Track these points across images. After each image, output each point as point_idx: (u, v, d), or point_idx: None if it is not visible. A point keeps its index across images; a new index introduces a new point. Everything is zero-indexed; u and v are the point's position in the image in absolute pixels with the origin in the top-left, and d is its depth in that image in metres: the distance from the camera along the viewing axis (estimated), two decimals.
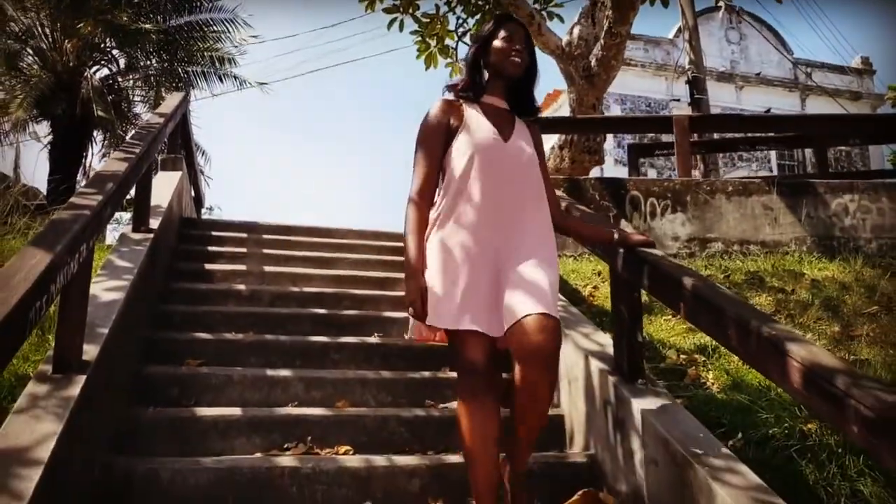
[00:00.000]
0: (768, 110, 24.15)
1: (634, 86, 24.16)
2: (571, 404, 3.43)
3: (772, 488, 2.65)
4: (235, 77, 10.46)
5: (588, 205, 6.62)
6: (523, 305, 2.33)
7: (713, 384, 3.57)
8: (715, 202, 6.60)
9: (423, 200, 2.53)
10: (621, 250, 2.96)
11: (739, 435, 2.99)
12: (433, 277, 2.42)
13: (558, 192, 3.49)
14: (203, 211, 9.73)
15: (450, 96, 2.69)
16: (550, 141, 9.73)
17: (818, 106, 25.30)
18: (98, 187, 3.02)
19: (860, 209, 6.47)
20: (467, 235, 2.44)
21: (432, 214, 2.52)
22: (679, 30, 17.62)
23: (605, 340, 3.45)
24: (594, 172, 9.84)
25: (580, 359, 3.35)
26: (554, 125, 8.90)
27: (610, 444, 3.01)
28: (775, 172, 23.39)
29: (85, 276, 2.70)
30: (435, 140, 2.56)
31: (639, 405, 2.82)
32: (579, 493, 2.83)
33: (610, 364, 3.15)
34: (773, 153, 24.86)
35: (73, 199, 2.77)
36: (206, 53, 10.05)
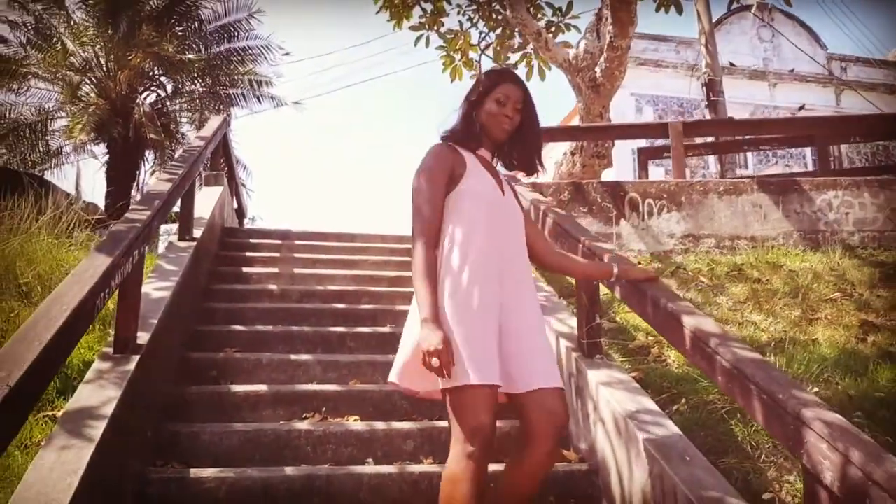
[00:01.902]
0: (802, 107, 24.08)
1: (667, 86, 24.14)
2: None
3: (706, 443, 3.13)
4: (272, 97, 11.18)
5: (590, 206, 7.10)
6: (541, 375, 2.32)
7: (672, 361, 4.03)
8: (707, 201, 7.01)
9: (431, 242, 2.38)
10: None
11: (683, 400, 3.45)
12: (456, 328, 2.25)
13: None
14: (246, 221, 10.36)
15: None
16: (563, 147, 10.19)
17: (854, 101, 24.96)
18: (147, 203, 3.61)
19: (843, 204, 6.83)
20: (479, 287, 2.31)
21: (440, 258, 2.40)
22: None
23: (576, 324, 3.93)
24: (605, 175, 10.25)
25: (554, 340, 3.83)
26: (563, 134, 9.35)
27: (573, 409, 3.50)
28: (811, 167, 23.33)
29: (138, 275, 3.28)
30: (441, 183, 2.44)
31: (594, 377, 3.31)
32: None
33: (574, 343, 3.63)
34: (807, 149, 24.79)
35: (127, 214, 3.36)
36: (244, 77, 10.77)
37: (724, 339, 2.31)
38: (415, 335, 2.29)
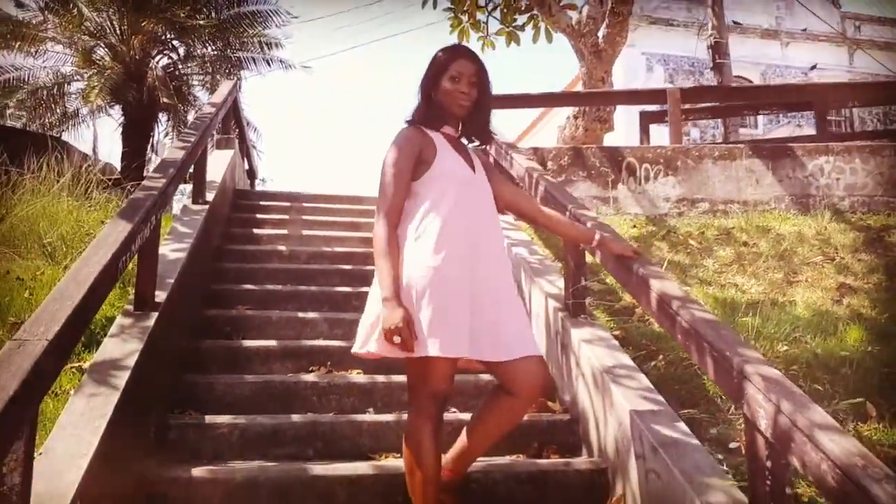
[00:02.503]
0: (813, 67, 23.90)
1: (678, 46, 23.76)
2: (538, 338, 4.15)
3: (680, 396, 3.37)
4: (281, 60, 11.32)
5: (589, 171, 7.28)
6: (521, 345, 2.48)
7: (653, 321, 4.25)
8: (703, 166, 7.17)
9: (393, 221, 2.48)
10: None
11: (661, 357, 3.69)
12: (422, 304, 2.36)
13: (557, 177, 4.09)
14: (257, 182, 10.57)
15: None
16: (566, 111, 10.30)
17: (867, 60, 24.52)
18: (162, 171, 3.83)
19: (835, 170, 6.98)
20: (449, 262, 2.41)
21: (409, 236, 2.48)
22: None
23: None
24: (610, 138, 10.37)
25: (543, 300, 4.06)
26: (563, 99, 9.47)
27: (559, 364, 3.74)
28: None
29: (155, 238, 3.51)
30: (408, 165, 2.51)
31: (577, 334, 3.54)
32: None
33: (561, 303, 3.86)
34: None
35: (144, 182, 3.59)
36: (254, 39, 10.91)
37: (685, 301, 2.53)
38: (377, 307, 2.41)
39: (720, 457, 2.72)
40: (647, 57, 23.86)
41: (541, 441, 3.37)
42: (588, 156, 7.35)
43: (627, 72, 21.88)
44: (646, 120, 10.20)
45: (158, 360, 3.32)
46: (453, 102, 2.60)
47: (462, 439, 2.69)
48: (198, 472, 2.81)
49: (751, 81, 24.02)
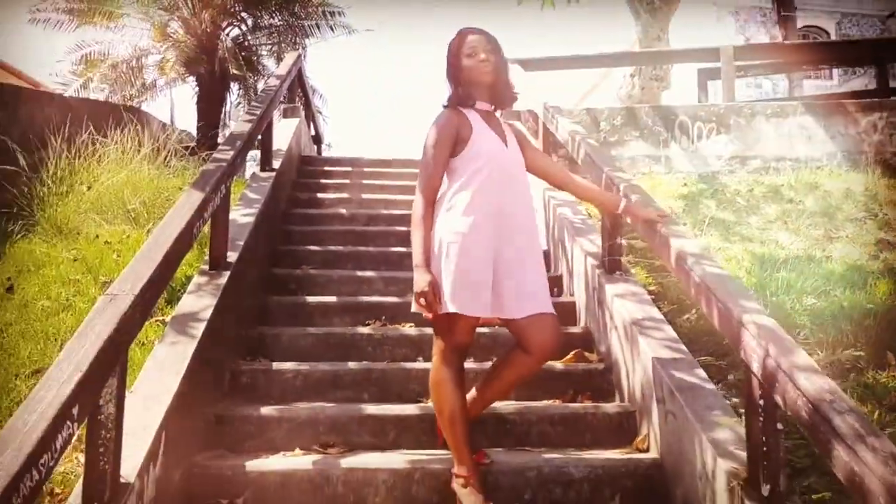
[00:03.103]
0: (892, 14, 22.84)
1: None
2: (578, 293, 4.37)
3: (708, 347, 3.57)
4: (344, 26, 11.62)
5: (642, 130, 7.36)
6: (534, 303, 2.71)
7: None
8: (755, 124, 7.18)
9: (430, 198, 2.73)
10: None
11: (694, 311, 3.87)
12: (449, 267, 2.62)
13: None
14: (323, 147, 10.93)
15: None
16: (623, 70, 10.28)
17: None
18: (231, 144, 4.17)
19: (888, 126, 6.88)
20: (477, 231, 2.65)
21: (444, 205, 2.72)
22: None
23: None
24: (667, 95, 10.32)
25: (583, 258, 4.27)
26: (615, 60, 9.46)
27: (595, 318, 3.97)
28: None
29: (226, 205, 3.86)
30: (447, 145, 2.74)
31: (611, 290, 3.75)
32: (572, 352, 3.83)
33: (599, 261, 4.06)
34: None
35: (214, 154, 3.93)
36: (318, 9, 11.23)
37: (699, 257, 2.72)
38: (441, 267, 2.67)
39: (735, 400, 2.93)
40: (717, 7, 23.13)
41: (576, 388, 3.61)
42: (640, 115, 7.44)
43: (693, 25, 21.33)
44: (704, 76, 10.10)
45: (231, 313, 3.69)
46: (479, 74, 2.81)
47: (477, 386, 2.97)
48: (266, 410, 3.18)
49: (825, 31, 23.18)
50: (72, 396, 1.80)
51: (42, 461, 1.63)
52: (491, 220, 2.70)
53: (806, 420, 1.90)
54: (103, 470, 2.14)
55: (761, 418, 2.21)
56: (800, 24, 20.84)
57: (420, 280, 2.61)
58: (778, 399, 2.06)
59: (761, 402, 2.20)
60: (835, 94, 10.05)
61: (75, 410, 1.82)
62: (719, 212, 5.63)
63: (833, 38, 22.02)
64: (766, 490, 2.20)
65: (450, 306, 2.62)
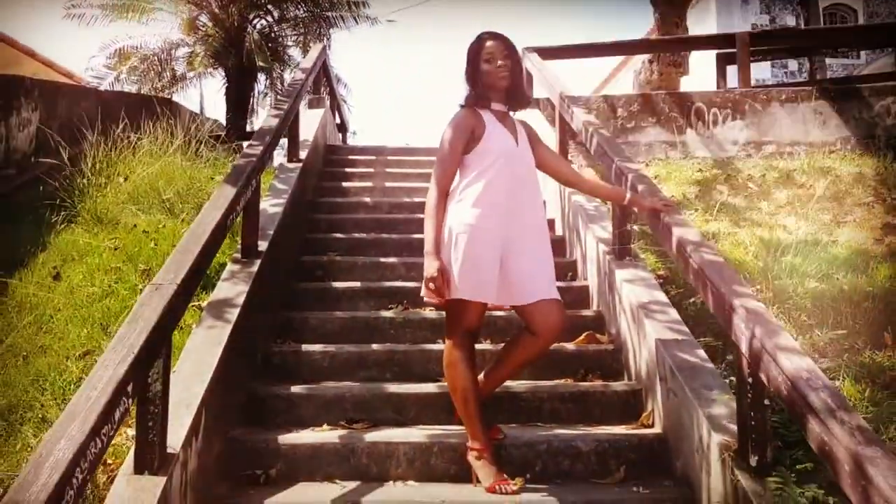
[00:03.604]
0: None
1: None
2: (591, 278, 4.54)
3: (713, 329, 3.72)
4: (367, 17, 11.81)
5: (658, 117, 7.47)
6: (540, 289, 2.88)
7: None
8: (770, 109, 7.25)
9: (443, 191, 2.94)
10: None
11: (699, 294, 4.02)
12: (458, 255, 2.82)
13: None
14: (348, 134, 11.12)
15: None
16: (642, 56, 10.34)
17: None
18: (260, 139, 4.39)
19: None
20: (485, 223, 2.84)
21: (455, 198, 2.92)
22: None
23: None
24: (686, 81, 10.36)
25: (595, 245, 4.43)
26: (632, 48, 9.53)
27: (606, 302, 4.14)
28: None
29: (256, 197, 4.08)
30: (461, 142, 2.94)
31: (620, 275, 3.92)
32: (584, 334, 4.01)
33: (609, 247, 4.23)
34: None
35: (245, 150, 4.15)
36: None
37: (698, 245, 2.88)
38: (450, 256, 2.88)
39: (733, 379, 3.09)
40: None
41: (587, 368, 3.79)
42: (657, 102, 7.53)
43: (720, 4, 21.19)
44: (722, 62, 10.12)
45: (262, 298, 3.92)
46: (495, 79, 3.00)
47: (490, 367, 3.16)
48: (296, 388, 3.41)
49: (853, 10, 22.87)
50: (126, 375, 2.02)
51: (104, 431, 1.86)
52: (499, 212, 2.89)
53: (786, 396, 2.07)
54: (152, 441, 2.37)
55: (749, 395, 2.38)
56: (827, 2, 20.63)
57: (429, 266, 2.81)
58: (763, 377, 2.23)
59: (749, 379, 2.37)
60: (852, 78, 10.03)
61: (129, 388, 2.05)
62: (731, 197, 5.74)
63: (861, 16, 21.74)
64: (753, 461, 2.38)
65: (458, 292, 2.83)
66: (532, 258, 2.94)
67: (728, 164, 6.80)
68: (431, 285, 2.79)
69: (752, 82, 7.96)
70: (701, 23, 18.14)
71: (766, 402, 2.38)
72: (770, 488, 2.30)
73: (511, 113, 3.17)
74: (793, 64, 21.84)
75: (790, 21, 21.28)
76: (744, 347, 2.35)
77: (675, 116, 7.43)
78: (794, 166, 6.40)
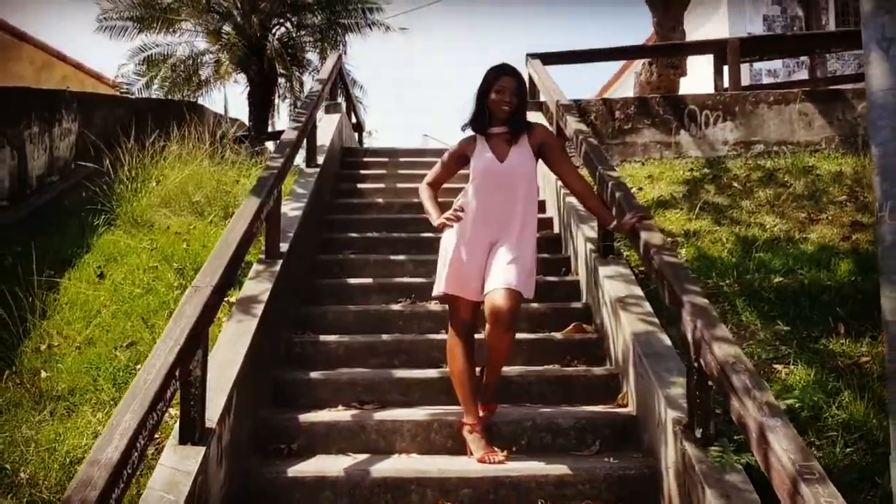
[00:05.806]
0: None
1: None
2: (580, 273, 4.91)
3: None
4: (381, 24, 12.26)
5: (653, 118, 7.79)
6: (494, 281, 3.24)
7: (685, 257, 4.91)
8: (759, 111, 7.56)
9: (430, 183, 3.60)
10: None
11: None
12: (447, 258, 3.40)
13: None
14: (364, 135, 11.50)
15: (469, 131, 3.56)
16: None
17: None
18: (281, 151, 4.80)
19: None
20: (469, 230, 3.35)
21: (455, 206, 3.34)
22: None
23: None
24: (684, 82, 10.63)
25: (583, 244, 4.80)
26: (625, 53, 9.83)
27: (593, 295, 4.51)
28: None
29: (278, 205, 4.48)
30: (452, 159, 3.57)
31: (603, 271, 4.29)
32: (572, 324, 4.39)
33: (595, 245, 4.60)
34: None
35: (268, 162, 4.56)
36: (358, 6, 11.87)
37: (660, 248, 3.25)
38: (442, 257, 3.45)
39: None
40: None
41: (573, 355, 4.17)
42: (652, 104, 7.87)
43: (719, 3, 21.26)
44: (719, 61, 10.41)
45: (284, 295, 4.33)
46: (498, 109, 3.40)
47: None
48: (314, 374, 3.83)
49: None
50: (174, 362, 2.44)
51: (159, 407, 2.27)
52: (482, 221, 3.37)
53: (716, 378, 2.45)
54: (193, 418, 2.79)
55: (695, 377, 2.75)
56: None
57: (435, 221, 3.32)
58: (702, 362, 2.61)
59: (696, 364, 2.74)
60: (839, 77, 10.28)
61: (177, 372, 2.46)
62: (716, 196, 6.07)
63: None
64: (699, 433, 2.76)
65: (447, 289, 3.37)
66: (504, 259, 3.29)
67: (718, 164, 7.11)
68: (448, 220, 3.24)
69: (754, 74, 8.24)
70: (714, 13, 18.22)
71: (710, 383, 2.75)
72: (712, 455, 2.68)
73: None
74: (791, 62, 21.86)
75: (799, 11, 21.32)
76: (689, 337, 2.73)
77: (670, 118, 7.76)
78: (778, 165, 6.70)
